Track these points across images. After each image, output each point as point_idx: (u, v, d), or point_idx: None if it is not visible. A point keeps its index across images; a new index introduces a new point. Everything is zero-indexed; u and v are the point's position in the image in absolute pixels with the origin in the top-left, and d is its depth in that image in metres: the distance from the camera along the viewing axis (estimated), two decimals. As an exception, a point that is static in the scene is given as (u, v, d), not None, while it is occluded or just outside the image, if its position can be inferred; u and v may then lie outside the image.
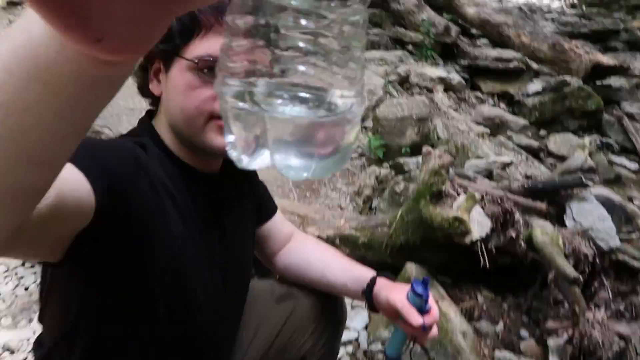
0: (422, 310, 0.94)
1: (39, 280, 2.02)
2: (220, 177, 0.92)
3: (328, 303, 1.20)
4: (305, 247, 1.21)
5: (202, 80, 0.77)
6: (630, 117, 4.22)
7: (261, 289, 1.18)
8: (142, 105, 0.90)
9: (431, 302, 0.96)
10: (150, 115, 0.90)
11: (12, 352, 1.64)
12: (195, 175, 0.86)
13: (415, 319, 0.92)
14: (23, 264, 2.11)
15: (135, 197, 0.71)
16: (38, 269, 2.09)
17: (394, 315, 0.99)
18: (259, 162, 0.37)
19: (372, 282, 1.06)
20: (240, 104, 0.36)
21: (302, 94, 0.36)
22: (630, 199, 3.29)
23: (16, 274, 2.04)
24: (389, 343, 1.05)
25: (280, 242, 1.20)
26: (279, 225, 1.20)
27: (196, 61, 0.77)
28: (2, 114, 0.31)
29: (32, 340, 1.69)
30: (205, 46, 0.77)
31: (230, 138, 0.38)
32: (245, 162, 0.38)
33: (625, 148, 4.09)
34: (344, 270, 1.13)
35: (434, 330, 0.96)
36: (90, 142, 0.68)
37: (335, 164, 0.38)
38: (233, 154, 0.39)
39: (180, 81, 0.79)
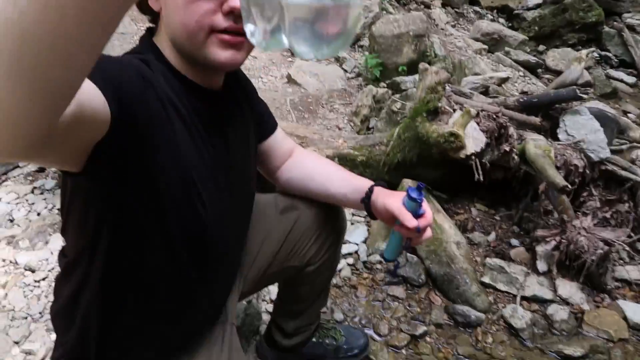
0: (417, 214, 1.01)
1: (49, 206, 2.10)
2: (222, 93, 0.94)
3: (329, 213, 1.27)
4: (306, 161, 1.25)
5: None
6: (631, 28, 4.14)
7: (266, 202, 1.24)
8: (134, 29, 0.90)
9: (425, 206, 1.02)
10: (151, 32, 0.90)
11: (33, 271, 1.74)
12: (198, 90, 0.87)
13: (411, 221, 0.98)
14: (32, 192, 2.17)
15: (144, 110, 0.73)
16: (48, 195, 2.16)
17: (391, 221, 1.05)
18: (276, 44, 0.43)
19: (370, 190, 1.11)
20: None
21: None
22: (625, 113, 3.32)
23: (27, 200, 2.11)
24: (386, 246, 1.12)
25: (282, 157, 1.25)
26: (280, 141, 1.23)
27: None
28: (44, 15, 0.35)
29: (51, 260, 1.79)
30: None
31: (250, 27, 0.44)
32: (265, 45, 0.44)
33: (624, 62, 4.05)
34: (343, 181, 1.19)
35: (428, 232, 1.03)
36: (99, 59, 0.71)
37: (340, 45, 0.45)
38: (253, 40, 0.45)
39: None
